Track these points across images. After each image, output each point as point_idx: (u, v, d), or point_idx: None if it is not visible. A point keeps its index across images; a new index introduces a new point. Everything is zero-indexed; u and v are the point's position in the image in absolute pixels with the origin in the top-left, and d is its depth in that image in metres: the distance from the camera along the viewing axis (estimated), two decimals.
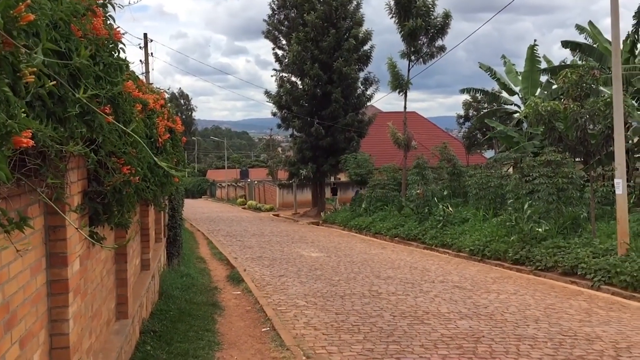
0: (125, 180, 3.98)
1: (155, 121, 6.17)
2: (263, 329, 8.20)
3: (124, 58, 4.02)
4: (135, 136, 3.48)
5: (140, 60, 27.29)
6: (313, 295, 10.42)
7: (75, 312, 3.62)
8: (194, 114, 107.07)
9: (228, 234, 23.58)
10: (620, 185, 11.61)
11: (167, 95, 9.37)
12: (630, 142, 18.86)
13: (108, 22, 3.73)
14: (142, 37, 28.01)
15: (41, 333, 3.20)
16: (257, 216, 36.96)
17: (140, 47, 27.42)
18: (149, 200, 6.51)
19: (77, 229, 3.54)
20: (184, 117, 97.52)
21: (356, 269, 13.47)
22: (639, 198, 18.74)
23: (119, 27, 4.01)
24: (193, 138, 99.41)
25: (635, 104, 20.93)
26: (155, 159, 2.63)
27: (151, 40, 27.70)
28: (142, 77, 24.76)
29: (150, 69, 27.15)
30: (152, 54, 27.82)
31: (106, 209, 4.10)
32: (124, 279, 5.80)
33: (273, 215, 37.66)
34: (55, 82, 2.43)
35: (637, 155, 21.54)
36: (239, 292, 11.11)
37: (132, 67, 5.60)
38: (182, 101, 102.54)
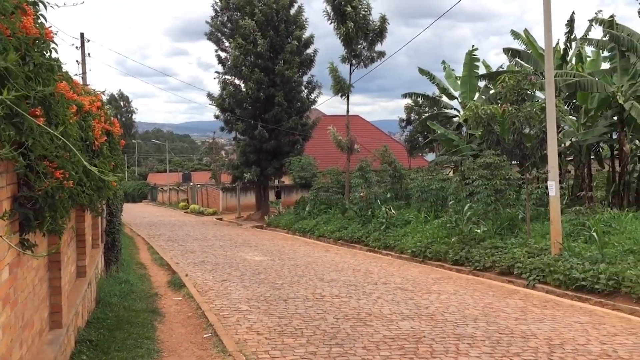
0: (57, 184, 3.83)
1: (91, 124, 5.97)
2: (205, 335, 8.06)
3: (56, 58, 3.88)
4: (63, 139, 3.34)
5: (77, 61, 26.46)
6: (256, 299, 10.34)
7: (5, 322, 3.46)
8: (134, 116, 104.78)
9: (170, 239, 23.13)
10: (553, 187, 12.06)
11: (104, 97, 9.11)
12: (562, 145, 19.67)
13: (39, 21, 3.60)
14: (101, 37, 27.14)
15: None
16: (200, 220, 36.44)
17: (77, 48, 26.57)
18: (85, 205, 6.30)
19: (1, 237, 3.37)
20: (123, 119, 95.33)
21: (300, 272, 13.46)
22: (571, 199, 19.57)
23: (51, 26, 3.87)
24: (133, 141, 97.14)
25: (568, 109, 21.87)
26: (85, 162, 2.54)
27: (88, 40, 26.87)
28: (79, 79, 24.01)
29: (87, 70, 26.30)
30: (89, 54, 26.98)
31: (38, 214, 3.94)
32: (58, 287, 5.58)
33: (216, 219, 37.22)
34: None
35: (569, 159, 22.51)
36: (180, 298, 10.90)
37: (68, 69, 5.43)
38: (121, 103, 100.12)
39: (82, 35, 26.81)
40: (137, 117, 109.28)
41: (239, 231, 27.37)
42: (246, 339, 7.68)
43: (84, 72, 25.84)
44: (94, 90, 7.87)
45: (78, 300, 6.75)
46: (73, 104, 4.96)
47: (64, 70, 5.36)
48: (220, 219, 36.51)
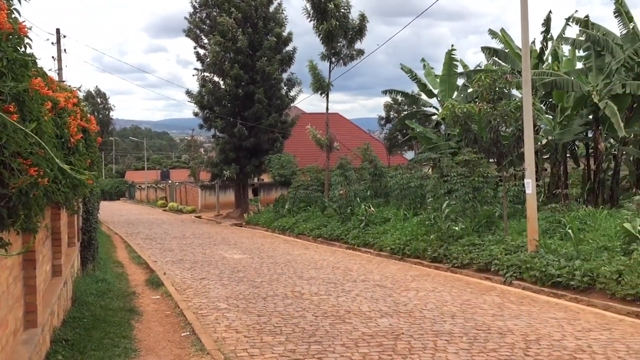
0: (32, 182, 3.77)
1: (67, 120, 5.89)
2: (183, 334, 8.02)
3: (30, 54, 3.82)
4: (36, 137, 3.29)
5: (53, 57, 26.06)
6: (235, 297, 10.30)
7: None
8: (111, 113, 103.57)
9: (147, 237, 22.93)
10: (529, 185, 12.21)
11: (80, 94, 8.99)
12: (539, 143, 19.90)
13: (13, 15, 3.53)
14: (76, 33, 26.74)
15: None
16: (179, 218, 36.19)
17: (52, 43, 26.17)
18: (61, 203, 6.21)
19: None
20: (100, 116, 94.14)
21: (279, 270, 13.45)
22: (548, 197, 19.83)
23: (25, 20, 3.80)
24: (110, 138, 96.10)
25: (544, 108, 22.14)
26: (58, 161, 2.50)
27: (64, 36, 26.48)
28: (54, 75, 23.66)
29: (63, 66, 25.92)
30: (65, 50, 26.58)
31: (11, 212, 3.87)
32: (33, 286, 5.50)
33: (195, 217, 37.00)
34: None
35: (546, 157, 22.79)
36: (158, 297, 10.81)
37: (43, 65, 5.35)
38: (98, 100, 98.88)
39: (57, 30, 26.42)
40: (114, 114, 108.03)
41: (218, 229, 27.24)
42: (225, 337, 7.65)
43: (59, 68, 25.47)
44: (69, 86, 7.76)
45: (54, 299, 6.66)
46: (48, 100, 4.88)
47: (38, 66, 5.28)
48: (199, 217, 36.30)
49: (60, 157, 5.39)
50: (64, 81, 17.44)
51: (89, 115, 9.05)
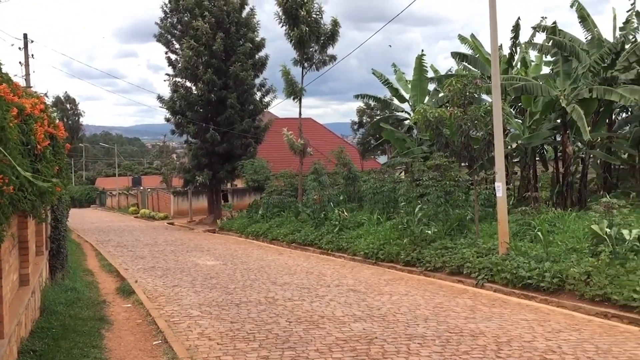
0: None
1: (33, 127, 5.78)
2: (154, 342, 7.91)
3: None
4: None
5: (20, 62, 25.56)
6: (208, 304, 10.21)
7: None
8: (81, 119, 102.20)
9: (119, 245, 22.61)
10: (500, 188, 12.37)
11: (48, 100, 8.84)
12: (509, 147, 20.20)
13: None
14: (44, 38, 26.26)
15: None
16: (151, 225, 35.76)
17: (19, 49, 25.67)
18: (27, 211, 6.09)
19: None
20: (70, 122, 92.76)
21: (252, 276, 13.37)
22: (518, 200, 20.12)
23: None
24: (80, 144, 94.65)
25: (513, 112, 22.48)
26: (20, 169, 2.45)
27: (32, 41, 26.01)
28: (22, 81, 23.21)
29: (31, 72, 25.44)
30: (32, 55, 26.09)
31: None
32: None
33: (167, 223, 36.63)
34: None
35: (516, 160, 23.14)
36: (129, 305, 10.66)
37: (9, 70, 5.24)
38: (68, 106, 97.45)
39: (25, 35, 25.93)
40: (84, 120, 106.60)
41: (190, 235, 27.00)
42: (197, 345, 7.57)
43: (27, 74, 25.00)
44: (36, 92, 7.62)
45: (21, 309, 6.52)
46: (13, 106, 4.79)
47: (3, 72, 5.18)
48: (172, 224, 35.95)
49: (26, 164, 5.30)
50: (32, 87, 17.11)
51: (57, 121, 8.90)
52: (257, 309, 9.67)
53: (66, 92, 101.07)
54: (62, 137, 8.79)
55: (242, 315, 9.23)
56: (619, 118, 22.57)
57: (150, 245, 22.17)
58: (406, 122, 28.32)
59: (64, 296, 10.39)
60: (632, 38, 20.02)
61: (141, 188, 59.61)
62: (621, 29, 20.44)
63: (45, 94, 7.55)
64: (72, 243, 21.30)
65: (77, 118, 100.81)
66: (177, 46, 32.67)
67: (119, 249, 21.07)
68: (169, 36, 32.86)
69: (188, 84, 31.88)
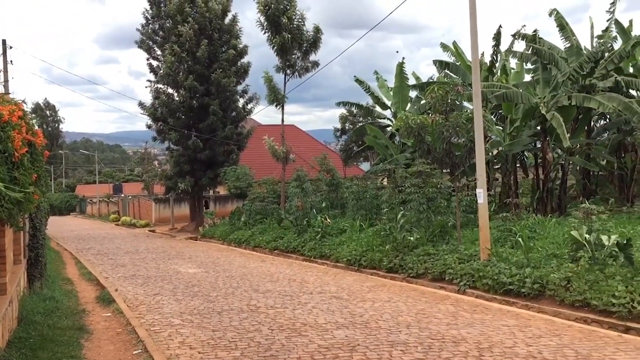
0: None
1: (11, 134, 5.70)
2: (134, 352, 7.81)
3: None
4: None
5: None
6: (189, 313, 10.12)
7: None
8: (61, 125, 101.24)
9: (99, 253, 22.35)
10: (481, 195, 12.45)
11: (26, 107, 8.70)
12: (490, 154, 20.36)
13: None
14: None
15: None
16: (132, 233, 35.43)
17: None
18: (4, 219, 6.00)
19: None
20: (49, 129, 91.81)
21: (235, 284, 13.29)
22: (499, 206, 20.26)
23: None
24: (60, 151, 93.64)
25: (494, 119, 22.68)
26: None
27: (10, 47, 25.70)
28: (0, 87, 22.88)
29: (9, 78, 25.13)
30: (11, 61, 25.79)
31: None
32: None
33: (149, 231, 36.32)
34: None
35: (497, 167, 23.33)
36: (109, 314, 10.52)
37: None
38: (47, 112, 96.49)
39: (4, 42, 25.62)
40: (64, 127, 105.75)
41: (172, 243, 26.79)
42: (178, 355, 7.49)
43: (6, 80, 24.68)
44: (14, 99, 7.51)
45: None
46: None
47: None
48: (153, 231, 35.66)
49: (3, 172, 5.21)
50: (10, 93, 16.87)
51: (35, 128, 8.78)
52: (239, 317, 9.60)
53: (46, 98, 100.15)
54: (41, 144, 8.67)
55: (223, 324, 9.15)
56: (598, 125, 22.89)
57: (131, 253, 21.95)
58: (388, 128, 28.44)
59: (42, 305, 10.23)
60: (610, 46, 20.36)
61: (122, 195, 59.09)
62: (600, 37, 20.77)
63: (24, 101, 7.44)
64: (51, 251, 21.02)
65: (57, 125, 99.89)
66: (158, 52, 32.56)
67: (99, 257, 20.83)
68: (151, 42, 32.74)
69: (170, 90, 31.76)
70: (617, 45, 20.50)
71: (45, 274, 12.97)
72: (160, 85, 31.98)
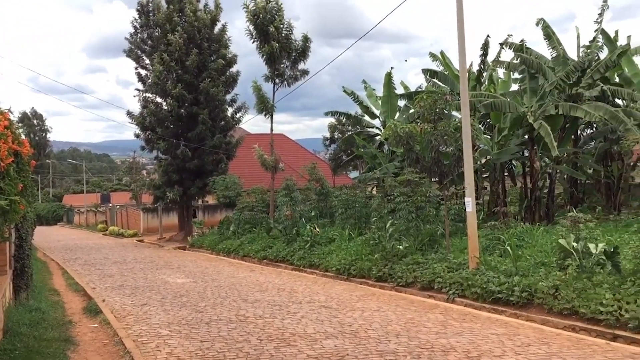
0: None
1: None
2: None
3: None
4: None
5: None
6: (177, 323, 10.03)
7: None
8: (48, 135, 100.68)
9: (86, 263, 22.15)
10: (470, 204, 12.49)
11: (12, 116, 8.63)
12: (478, 163, 20.47)
13: None
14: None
15: None
16: (120, 242, 35.18)
17: None
18: None
19: None
20: (37, 138, 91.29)
21: (223, 294, 13.21)
22: (488, 215, 20.35)
23: None
24: (47, 161, 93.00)
25: (482, 128, 22.83)
26: None
27: None
28: None
29: None
30: None
31: None
32: None
33: (137, 240, 36.07)
34: None
35: (485, 175, 23.45)
36: (96, 325, 10.41)
37: None
38: (35, 121, 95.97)
39: None
40: (51, 136, 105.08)
41: (160, 253, 26.62)
42: None
43: None
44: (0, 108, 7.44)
45: None
46: None
47: None
48: (141, 241, 35.42)
49: None
50: None
51: (22, 137, 8.71)
52: (227, 327, 9.54)
53: (33, 107, 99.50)
54: (28, 153, 8.60)
55: (212, 334, 9.09)
56: (584, 134, 23.10)
57: (118, 263, 21.78)
58: (377, 137, 28.53)
59: (28, 317, 10.10)
60: (596, 56, 20.58)
61: (110, 205, 58.69)
62: (587, 47, 21.00)
63: (9, 110, 7.37)
64: (38, 262, 20.81)
65: (44, 134, 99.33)
66: (147, 61, 32.50)
67: (87, 267, 20.65)
68: (139, 51, 32.67)
69: (158, 99, 31.68)
70: (603, 54, 20.75)
71: (31, 285, 12.83)
72: (148, 94, 31.92)
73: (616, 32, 21.59)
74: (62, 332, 9.61)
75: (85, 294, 14.20)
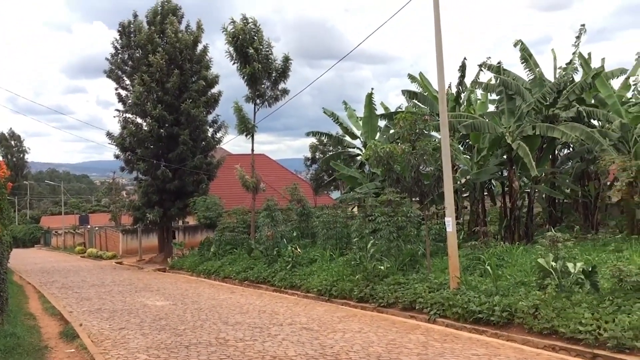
0: None
1: None
2: None
3: None
4: None
5: None
6: (156, 347, 9.88)
7: None
8: (26, 156, 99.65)
9: (63, 286, 21.77)
10: (450, 223, 12.54)
11: None
12: (458, 182, 20.61)
13: None
14: None
15: None
16: (98, 265, 34.67)
17: None
18: None
19: None
20: (14, 159, 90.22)
21: (203, 316, 13.06)
22: (468, 234, 20.45)
23: None
24: (25, 182, 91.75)
25: (462, 148, 23.04)
26: None
27: None
28: None
29: None
30: None
31: None
32: None
33: (116, 263, 35.60)
34: None
35: (465, 195, 23.61)
36: (72, 350, 10.20)
37: None
38: (12, 142, 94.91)
39: None
40: (29, 157, 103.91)
41: (139, 275, 26.28)
42: None
43: None
44: None
45: None
46: None
47: None
48: (120, 263, 34.96)
49: None
50: None
51: None
52: (207, 351, 9.41)
53: (11, 128, 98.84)
54: (4, 175, 8.51)
55: (191, 358, 8.96)
56: (561, 154, 23.42)
57: (96, 286, 21.44)
58: (358, 157, 28.63)
59: (2, 342, 9.86)
60: (571, 78, 20.97)
61: (88, 226, 57.94)
62: (563, 69, 21.39)
63: None
64: (14, 285, 20.41)
65: (22, 155, 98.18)
66: (127, 82, 32.40)
67: (64, 290, 20.29)
68: (120, 72, 32.58)
69: (138, 120, 31.52)
70: (578, 77, 21.14)
71: (6, 309, 12.55)
72: (128, 115, 31.75)
73: (589, 54, 22.04)
74: (38, 358, 9.41)
75: (62, 318, 13.92)
